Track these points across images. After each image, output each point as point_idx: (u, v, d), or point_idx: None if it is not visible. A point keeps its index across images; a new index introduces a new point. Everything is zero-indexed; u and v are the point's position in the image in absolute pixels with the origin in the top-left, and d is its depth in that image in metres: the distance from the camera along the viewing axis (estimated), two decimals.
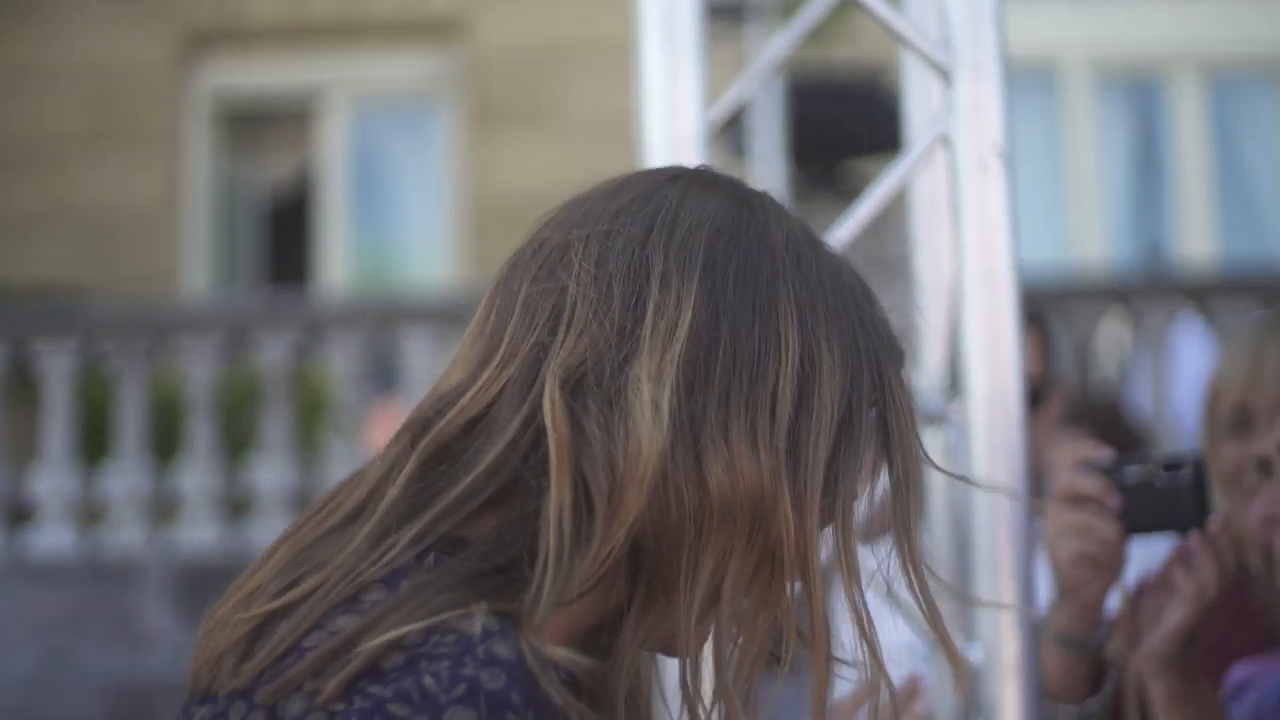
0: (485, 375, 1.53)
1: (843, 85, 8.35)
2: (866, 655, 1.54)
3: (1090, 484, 2.35)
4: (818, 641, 1.52)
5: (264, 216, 12.71)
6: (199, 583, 7.77)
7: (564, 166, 11.12)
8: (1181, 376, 8.40)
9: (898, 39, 2.39)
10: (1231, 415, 2.61)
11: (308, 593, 1.45)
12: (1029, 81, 11.26)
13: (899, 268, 2.81)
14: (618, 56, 10.40)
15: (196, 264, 12.31)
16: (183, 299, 11.81)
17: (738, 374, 1.49)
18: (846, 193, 8.24)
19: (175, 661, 7.56)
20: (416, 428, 1.53)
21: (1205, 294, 8.14)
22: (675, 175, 1.61)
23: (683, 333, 1.49)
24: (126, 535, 8.01)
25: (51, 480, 8.05)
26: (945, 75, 2.28)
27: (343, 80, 12.12)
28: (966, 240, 2.24)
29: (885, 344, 1.57)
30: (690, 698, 1.57)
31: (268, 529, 7.87)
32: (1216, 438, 2.63)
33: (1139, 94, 11.89)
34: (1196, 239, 11.51)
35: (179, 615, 7.75)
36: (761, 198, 1.59)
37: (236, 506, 8.14)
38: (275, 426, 8.06)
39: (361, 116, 12.31)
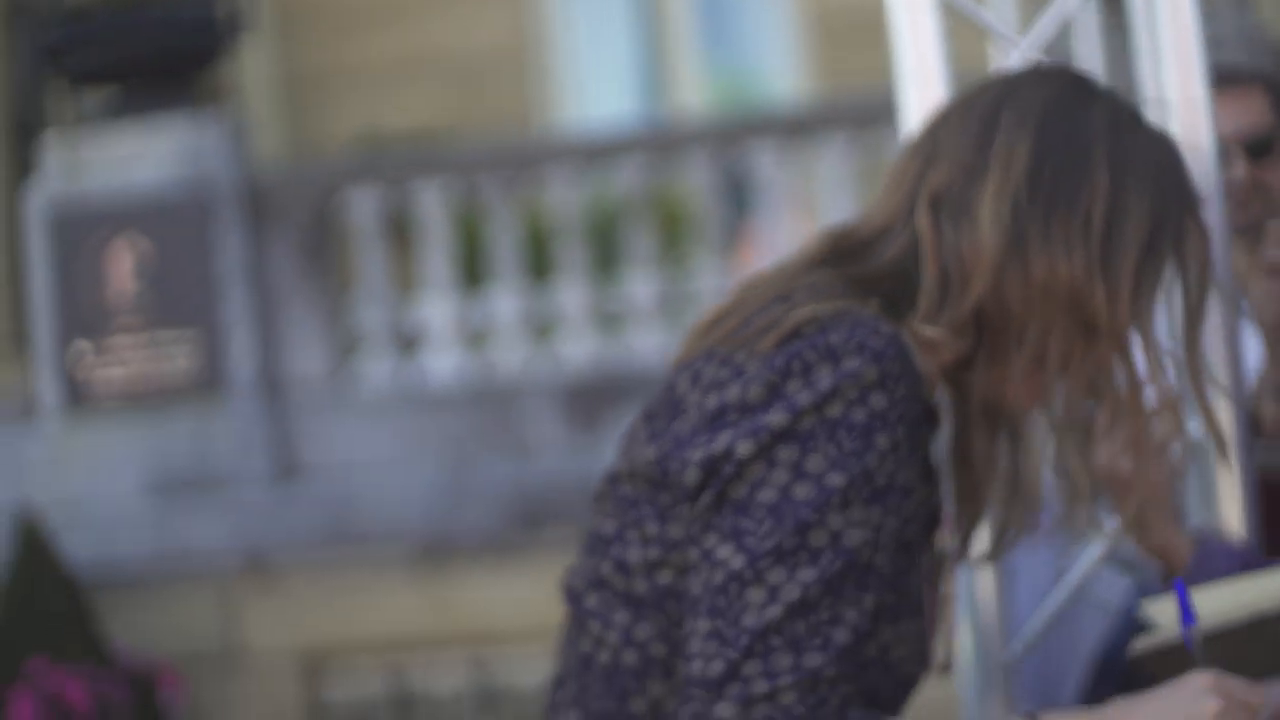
0: (881, 204, 2.18)
1: None
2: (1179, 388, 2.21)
3: None
4: (1133, 400, 2.14)
5: (617, 45, 13.21)
6: (582, 392, 8.35)
7: None
8: None
9: None
10: None
11: (752, 295, 2.11)
12: None
13: None
14: None
15: (555, 99, 12.90)
16: (543, 131, 12.43)
17: (1057, 199, 2.09)
18: None
19: (566, 463, 8.18)
20: (834, 231, 2.20)
21: None
22: (1024, 71, 2.28)
23: (1018, 166, 2.10)
24: (510, 354, 8.56)
25: (439, 306, 8.61)
26: None
27: None
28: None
29: (1189, 201, 2.17)
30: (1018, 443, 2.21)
31: (643, 338, 8.41)
32: None
33: None
34: None
35: (565, 423, 8.32)
36: (1095, 88, 2.21)
37: (610, 319, 8.70)
38: (641, 243, 8.52)
39: None
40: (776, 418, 1.98)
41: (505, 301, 8.58)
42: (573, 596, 2.15)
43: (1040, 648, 3.45)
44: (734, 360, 2.04)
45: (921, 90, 2.85)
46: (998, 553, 2.31)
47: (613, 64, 13.21)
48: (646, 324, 8.44)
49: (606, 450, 7.79)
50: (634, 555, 2.07)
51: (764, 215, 8.79)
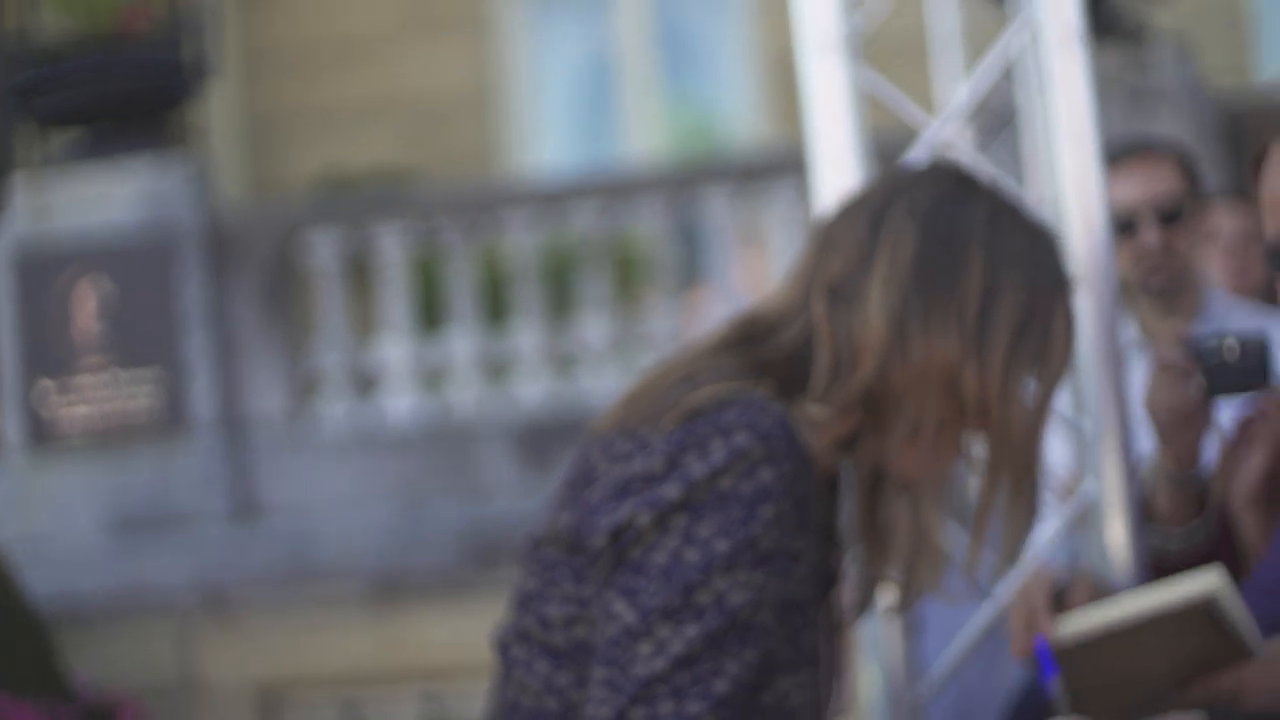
0: (784, 291, 2.40)
1: None
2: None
3: (1176, 356, 3.01)
4: (998, 463, 2.34)
5: (577, 90, 13.37)
6: (535, 433, 8.48)
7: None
8: None
9: None
10: None
11: (663, 376, 2.34)
12: None
13: None
14: None
15: (516, 141, 13.06)
16: (503, 176, 12.62)
17: (937, 288, 2.30)
18: (1120, 27, 8.53)
19: (519, 503, 8.25)
20: (742, 317, 2.42)
21: None
22: (912, 169, 2.49)
23: (902, 258, 2.31)
24: (467, 394, 8.70)
25: (397, 348, 8.76)
26: None
27: None
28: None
29: (1059, 287, 2.38)
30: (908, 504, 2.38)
31: (597, 380, 8.54)
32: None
33: None
34: None
35: (518, 464, 8.46)
36: (977, 184, 2.42)
37: (564, 361, 8.83)
38: (595, 286, 8.69)
39: None
40: (673, 489, 2.20)
41: (462, 343, 8.73)
42: (501, 648, 2.35)
43: (960, 686, 3.63)
44: (640, 435, 2.26)
45: (836, 171, 3.05)
46: (905, 606, 2.49)
47: (573, 106, 13.38)
48: (599, 366, 8.60)
49: None
50: (553, 611, 2.29)
51: (717, 258, 8.95)
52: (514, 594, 2.35)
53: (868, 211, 2.38)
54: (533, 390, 8.64)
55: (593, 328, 8.65)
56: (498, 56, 13.16)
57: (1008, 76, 3.41)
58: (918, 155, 3.14)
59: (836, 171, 3.01)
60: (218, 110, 12.45)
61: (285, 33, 13.23)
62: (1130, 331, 4.32)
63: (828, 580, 2.37)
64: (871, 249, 2.34)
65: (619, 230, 9.20)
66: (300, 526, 8.59)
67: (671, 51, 13.09)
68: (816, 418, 2.28)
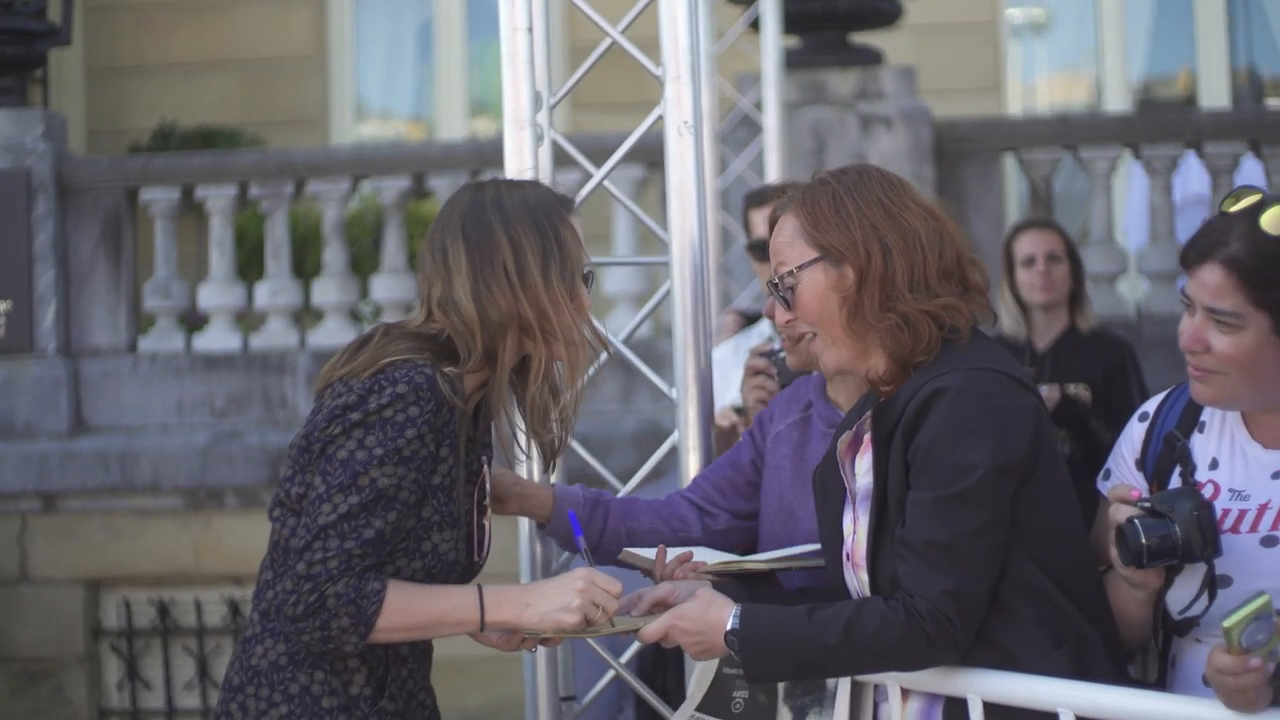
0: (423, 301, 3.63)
1: None
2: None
3: (759, 363, 4.41)
4: (573, 350, 3.59)
5: (405, 63, 14.08)
6: None
7: None
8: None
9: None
10: None
11: (363, 346, 3.54)
12: None
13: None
14: None
15: (345, 105, 13.77)
16: (329, 135, 13.30)
17: (484, 267, 3.52)
18: (855, 57, 9.56)
19: None
20: (414, 318, 3.65)
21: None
22: (450, 198, 3.69)
23: (459, 262, 3.53)
24: (278, 339, 9.51)
25: (218, 296, 9.60)
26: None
27: None
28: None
29: (557, 212, 3.58)
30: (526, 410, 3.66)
31: None
32: None
33: None
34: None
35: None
36: (484, 181, 3.64)
37: (361, 312, 9.75)
38: (393, 249, 9.56)
39: None
40: (356, 414, 3.46)
41: (278, 293, 9.53)
42: (269, 512, 3.65)
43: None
44: (348, 382, 3.52)
45: None
46: (547, 466, 3.86)
47: (397, 71, 14.06)
48: (394, 318, 9.42)
49: None
50: (294, 489, 3.58)
51: None
52: (280, 480, 3.64)
53: (433, 242, 3.58)
54: (334, 337, 9.45)
55: (386, 287, 9.51)
56: (329, 21, 13.73)
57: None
58: (585, 192, 4.41)
59: None
60: (58, 61, 12.93)
61: None
62: (765, 329, 5.72)
63: (472, 473, 3.67)
64: (444, 266, 3.54)
65: (421, 201, 10.16)
66: (126, 444, 9.29)
67: (483, 23, 13.79)
68: (454, 375, 3.50)
